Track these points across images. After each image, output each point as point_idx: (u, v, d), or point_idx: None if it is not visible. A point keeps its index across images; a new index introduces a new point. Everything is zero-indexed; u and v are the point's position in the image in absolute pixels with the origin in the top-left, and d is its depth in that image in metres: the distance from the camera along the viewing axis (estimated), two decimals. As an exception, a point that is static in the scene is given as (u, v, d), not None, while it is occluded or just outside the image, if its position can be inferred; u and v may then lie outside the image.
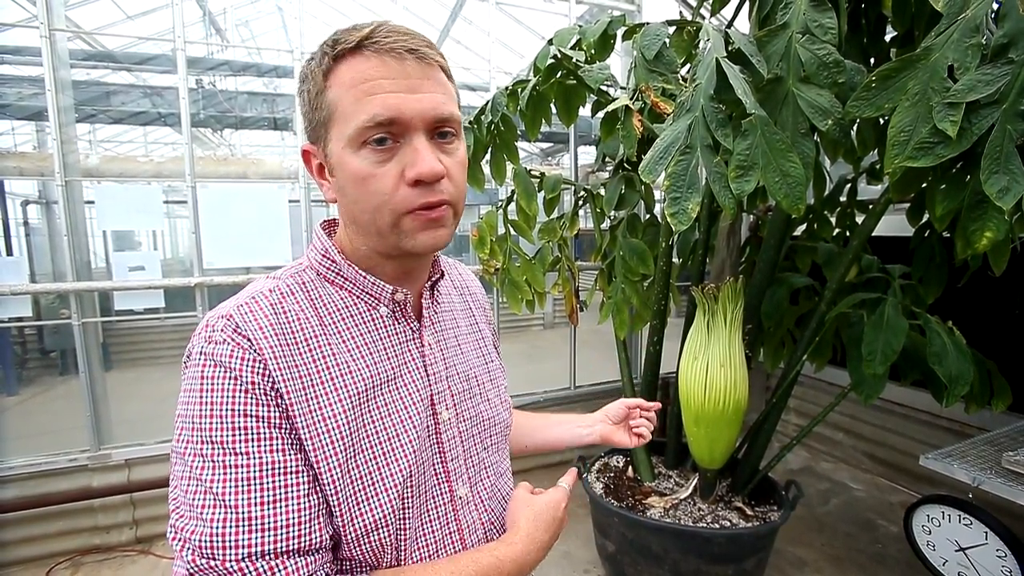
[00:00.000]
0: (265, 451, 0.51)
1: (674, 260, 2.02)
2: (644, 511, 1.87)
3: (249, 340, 0.53)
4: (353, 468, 0.56)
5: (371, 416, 0.59)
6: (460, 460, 0.68)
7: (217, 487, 0.50)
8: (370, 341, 0.61)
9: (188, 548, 0.50)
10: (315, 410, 0.54)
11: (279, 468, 0.51)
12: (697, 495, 1.93)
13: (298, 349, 0.55)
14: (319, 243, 0.64)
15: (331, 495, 0.54)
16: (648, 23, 1.73)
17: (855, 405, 2.81)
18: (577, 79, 1.88)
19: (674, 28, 1.75)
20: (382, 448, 0.58)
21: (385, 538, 0.57)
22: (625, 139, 1.58)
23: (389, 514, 0.57)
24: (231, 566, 0.49)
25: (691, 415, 1.74)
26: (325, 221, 0.68)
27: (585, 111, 2.20)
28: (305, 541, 0.51)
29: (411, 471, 0.60)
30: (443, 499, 0.65)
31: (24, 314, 2.42)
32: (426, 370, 0.65)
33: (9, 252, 5.28)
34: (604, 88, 1.93)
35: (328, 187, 0.60)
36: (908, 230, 1.82)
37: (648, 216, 2.30)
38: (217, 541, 0.49)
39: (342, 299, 0.62)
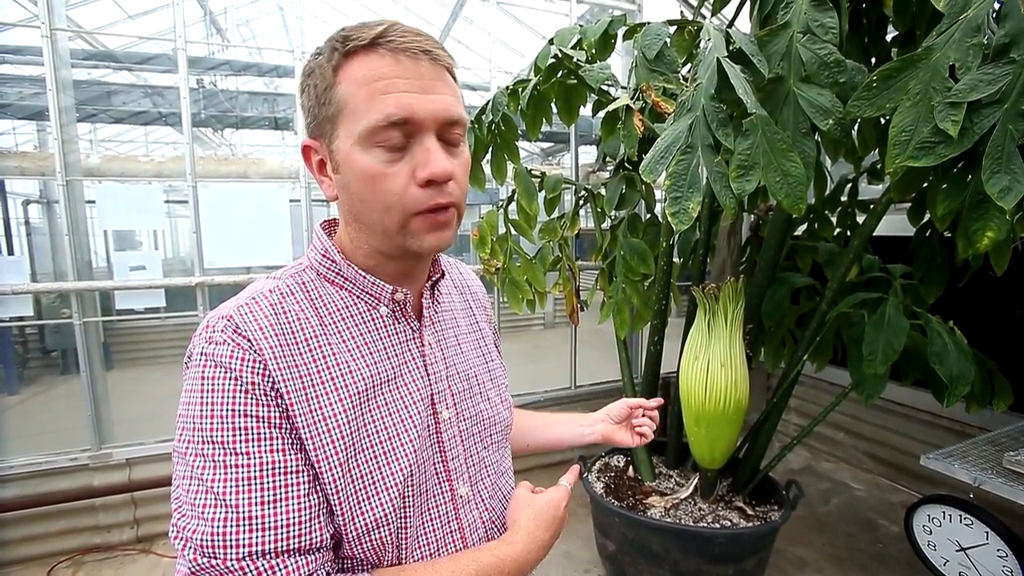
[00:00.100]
0: (265, 451, 0.51)
1: (675, 260, 2.02)
2: (645, 511, 1.87)
3: (249, 341, 0.53)
4: (354, 467, 0.56)
5: (371, 416, 0.59)
6: (461, 459, 0.68)
7: (218, 487, 0.50)
8: (370, 341, 0.61)
9: (190, 547, 0.50)
10: (315, 410, 0.54)
11: (279, 468, 0.51)
12: (698, 495, 1.93)
13: (298, 349, 0.56)
14: (319, 243, 0.64)
15: (332, 494, 0.54)
16: (649, 23, 1.73)
17: (856, 405, 2.80)
18: (578, 79, 1.88)
19: (675, 28, 1.75)
20: (383, 447, 0.58)
21: (386, 537, 0.57)
22: (626, 139, 1.58)
23: (390, 513, 0.57)
24: (232, 565, 0.49)
25: (692, 415, 1.74)
26: (325, 221, 0.68)
27: (586, 111, 2.20)
28: (305, 540, 0.52)
29: (412, 470, 0.60)
30: (444, 498, 0.65)
31: (25, 313, 2.43)
32: (426, 369, 0.65)
33: (10, 251, 5.30)
34: (605, 88, 1.92)
35: (329, 184, 0.60)
36: (909, 230, 1.82)
37: (649, 216, 2.30)
38: (218, 540, 0.49)
39: (342, 299, 0.62)
